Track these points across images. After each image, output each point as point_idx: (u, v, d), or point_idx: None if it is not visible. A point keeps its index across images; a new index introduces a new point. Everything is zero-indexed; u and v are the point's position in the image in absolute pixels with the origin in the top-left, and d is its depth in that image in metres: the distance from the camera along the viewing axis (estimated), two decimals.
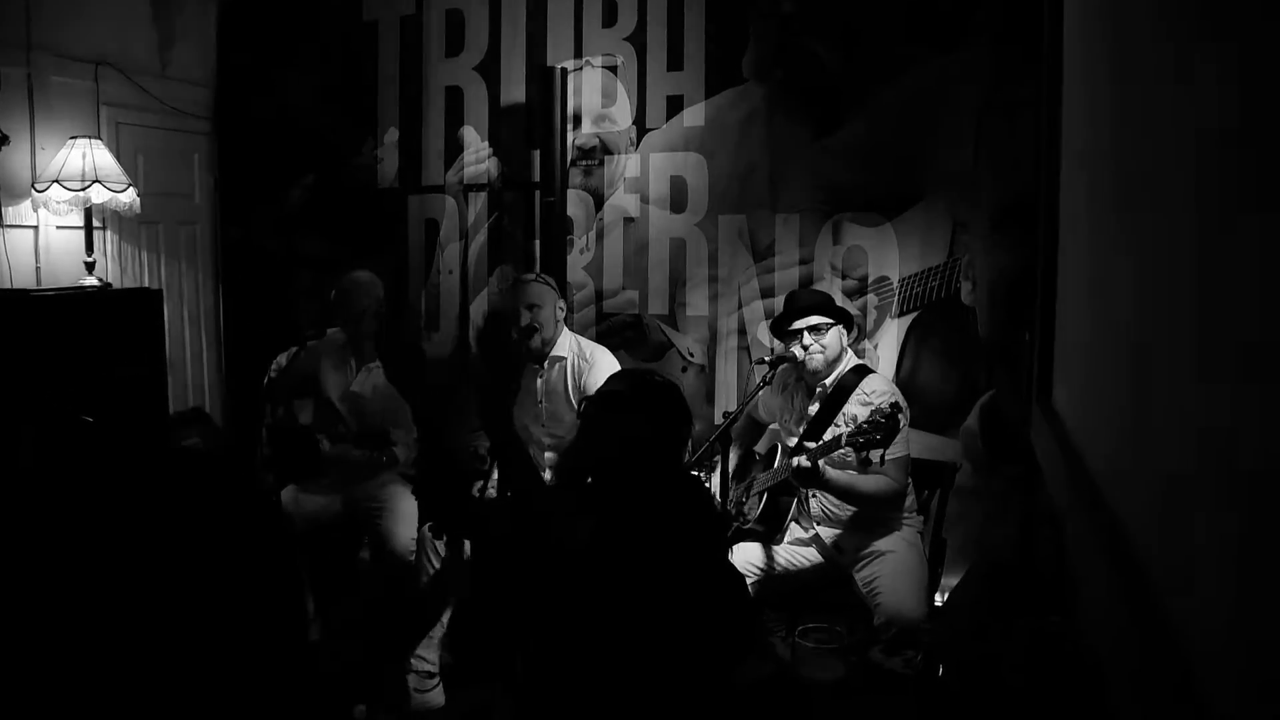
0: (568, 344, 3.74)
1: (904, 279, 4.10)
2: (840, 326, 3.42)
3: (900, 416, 3.03)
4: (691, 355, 4.50)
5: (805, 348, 3.37)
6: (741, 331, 4.42)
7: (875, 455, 3.04)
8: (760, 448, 3.88)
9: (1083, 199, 2.45)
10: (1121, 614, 1.36)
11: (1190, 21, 1.25)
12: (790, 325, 3.41)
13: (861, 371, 3.42)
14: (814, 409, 3.42)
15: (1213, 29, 1.14)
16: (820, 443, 3.18)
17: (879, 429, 3.00)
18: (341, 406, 3.92)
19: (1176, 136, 1.28)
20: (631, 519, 1.91)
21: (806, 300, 3.48)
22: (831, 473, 3.19)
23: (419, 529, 3.63)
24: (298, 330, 4.10)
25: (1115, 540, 1.49)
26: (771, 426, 3.86)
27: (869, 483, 3.22)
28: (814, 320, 3.37)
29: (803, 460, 3.11)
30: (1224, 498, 1.03)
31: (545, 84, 4.51)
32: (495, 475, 3.16)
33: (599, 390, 2.13)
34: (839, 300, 3.93)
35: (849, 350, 3.50)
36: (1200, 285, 1.15)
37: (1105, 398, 1.84)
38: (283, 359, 4.00)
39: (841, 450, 3.10)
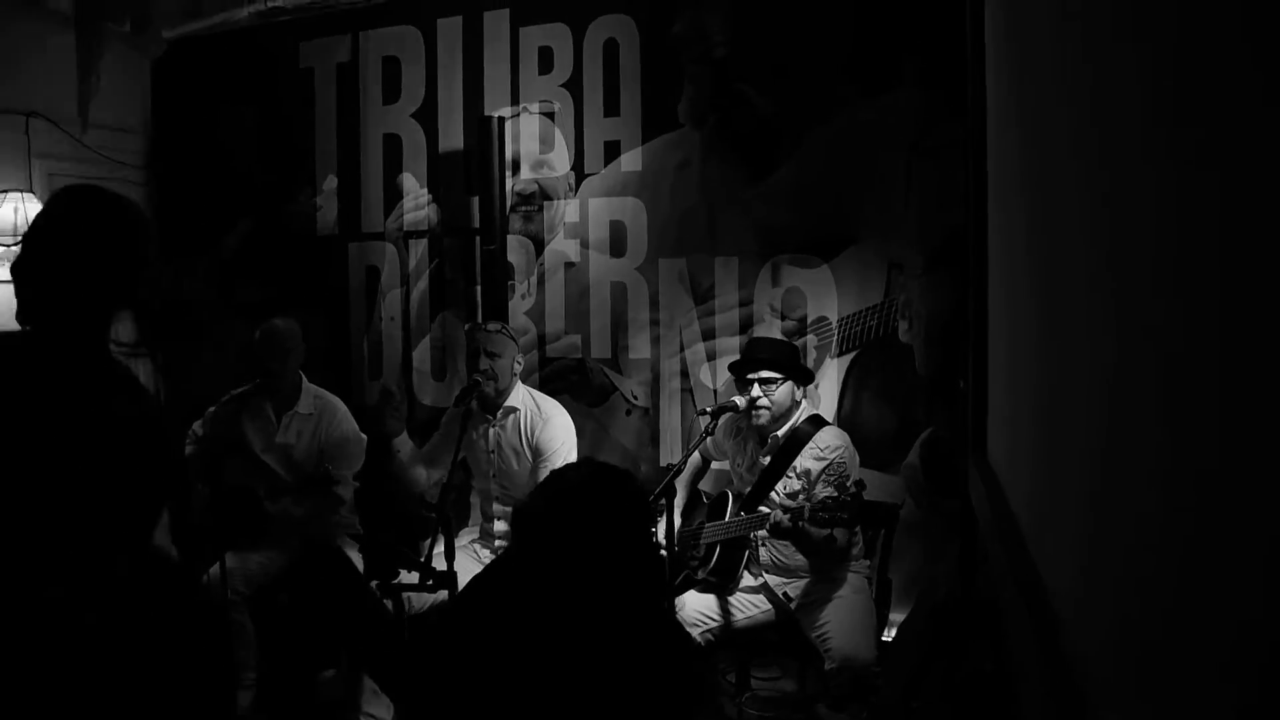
0: (521, 396, 3.72)
1: (842, 319, 4.15)
2: (792, 382, 3.43)
3: (864, 495, 3.06)
4: (635, 398, 4.52)
5: (753, 400, 3.38)
6: (684, 374, 4.44)
7: (840, 534, 3.07)
8: (707, 486, 3.89)
9: (1001, 240, 2.50)
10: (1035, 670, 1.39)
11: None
12: (745, 373, 3.44)
13: (816, 423, 3.44)
14: (766, 460, 3.45)
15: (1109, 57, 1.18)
16: (790, 508, 3.20)
17: (844, 509, 3.02)
18: (268, 459, 3.88)
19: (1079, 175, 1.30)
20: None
21: (765, 352, 3.49)
22: (808, 529, 3.18)
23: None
24: (236, 381, 4.08)
25: (1039, 610, 1.52)
26: (716, 465, 3.88)
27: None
28: (766, 374, 3.39)
29: (783, 519, 3.14)
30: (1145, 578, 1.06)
31: (483, 132, 4.52)
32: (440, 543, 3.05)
33: (531, 500, 1.95)
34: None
35: (804, 400, 3.51)
36: (1109, 341, 1.17)
37: (1023, 454, 1.88)
38: (198, 427, 3.99)
39: (803, 521, 3.13)
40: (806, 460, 3.36)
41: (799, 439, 3.40)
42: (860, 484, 3.12)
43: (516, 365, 3.71)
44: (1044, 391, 1.63)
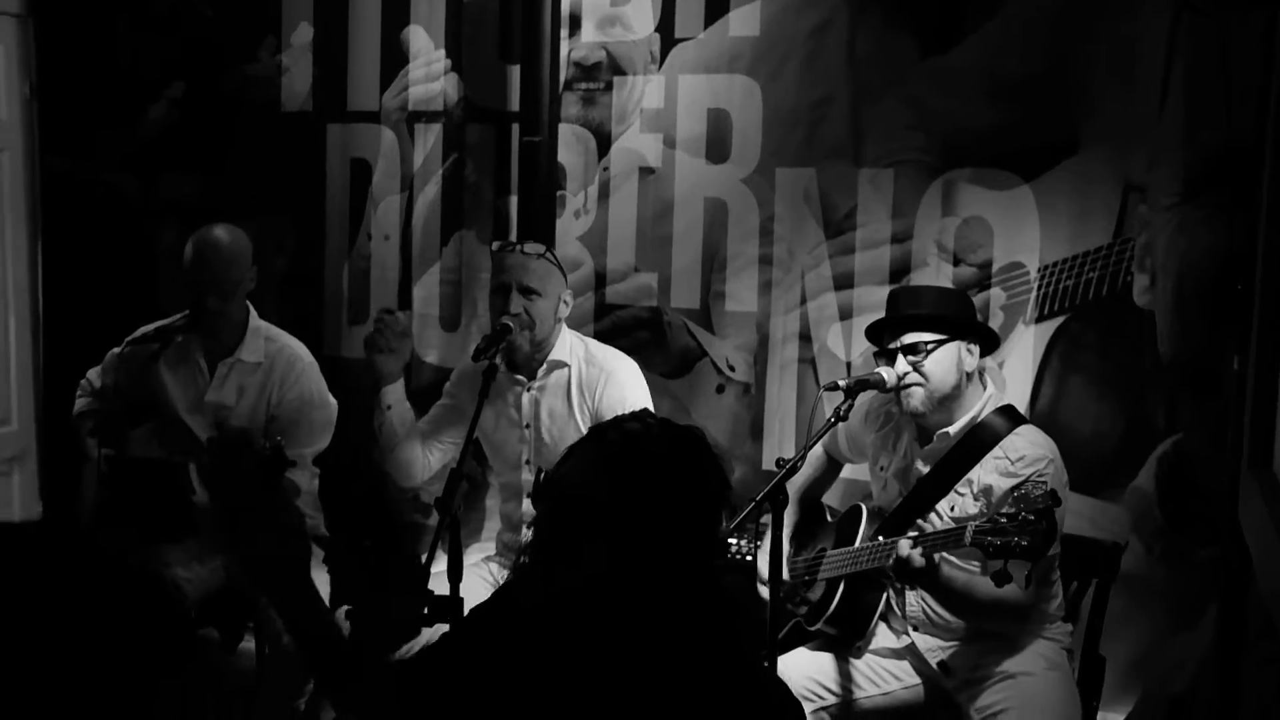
0: (569, 346, 3.75)
1: (1047, 267, 4.08)
2: (961, 344, 3.30)
3: (1059, 513, 2.93)
4: (732, 369, 4.51)
5: (900, 376, 3.28)
6: (805, 337, 4.41)
7: (1017, 570, 2.93)
8: (834, 499, 3.86)
9: None
10: None
11: None
12: (886, 341, 3.35)
13: (1010, 419, 3.32)
14: (924, 467, 3.37)
15: None
16: (936, 530, 3.12)
17: (1026, 532, 2.87)
18: (195, 423, 3.93)
19: None
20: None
21: (914, 305, 3.39)
22: (949, 572, 3.13)
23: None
24: (154, 311, 4.17)
25: None
26: (849, 473, 3.86)
27: (989, 587, 3.10)
28: (913, 338, 3.28)
29: (913, 554, 3.04)
30: None
31: None
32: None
33: (571, 466, 2.00)
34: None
35: (988, 383, 3.40)
36: None
37: None
38: (95, 376, 4.10)
39: (965, 547, 3.04)
40: (989, 473, 3.27)
41: (982, 440, 3.29)
42: (1053, 495, 2.96)
43: (563, 307, 3.73)
44: None
